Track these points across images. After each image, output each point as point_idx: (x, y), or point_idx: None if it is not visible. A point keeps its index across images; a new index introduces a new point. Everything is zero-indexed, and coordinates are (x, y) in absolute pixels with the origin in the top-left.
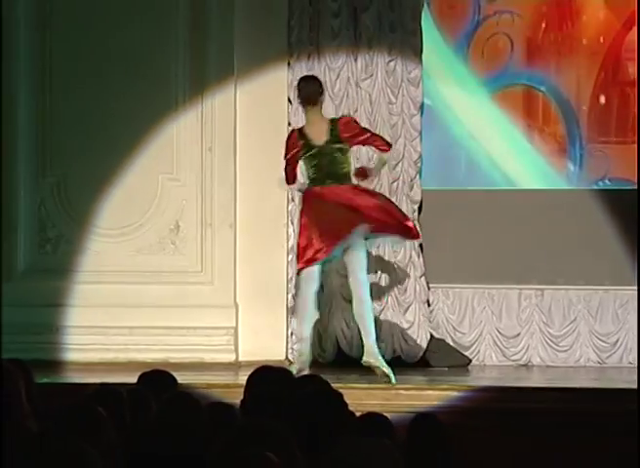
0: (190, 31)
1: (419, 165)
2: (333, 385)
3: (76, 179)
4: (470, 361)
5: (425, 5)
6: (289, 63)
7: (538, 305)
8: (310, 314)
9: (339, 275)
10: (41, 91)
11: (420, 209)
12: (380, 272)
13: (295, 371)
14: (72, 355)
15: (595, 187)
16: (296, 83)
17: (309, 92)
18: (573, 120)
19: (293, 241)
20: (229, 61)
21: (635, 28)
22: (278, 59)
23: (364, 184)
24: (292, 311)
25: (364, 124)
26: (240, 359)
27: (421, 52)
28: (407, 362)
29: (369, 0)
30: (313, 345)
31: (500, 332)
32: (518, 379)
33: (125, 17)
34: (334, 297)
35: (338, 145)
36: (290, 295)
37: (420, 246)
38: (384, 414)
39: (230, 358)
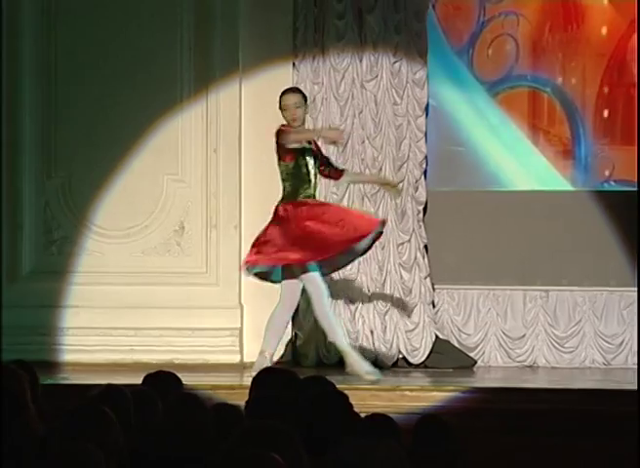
0: (195, 32)
1: (423, 166)
2: (338, 386)
3: (81, 181)
4: (475, 362)
5: (430, 6)
6: (294, 64)
7: (543, 306)
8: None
9: (341, 275)
10: (46, 92)
11: (425, 210)
12: (384, 273)
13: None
14: (77, 356)
15: (600, 189)
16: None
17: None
18: (578, 121)
19: None
20: (235, 62)
21: None
22: (283, 60)
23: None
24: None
25: (369, 125)
26: (245, 360)
27: (427, 53)
28: (412, 363)
29: (374, 1)
30: (317, 346)
31: (505, 334)
32: (523, 381)
33: (129, 19)
34: (338, 299)
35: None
36: None
37: (426, 247)
38: (389, 415)
39: (235, 359)
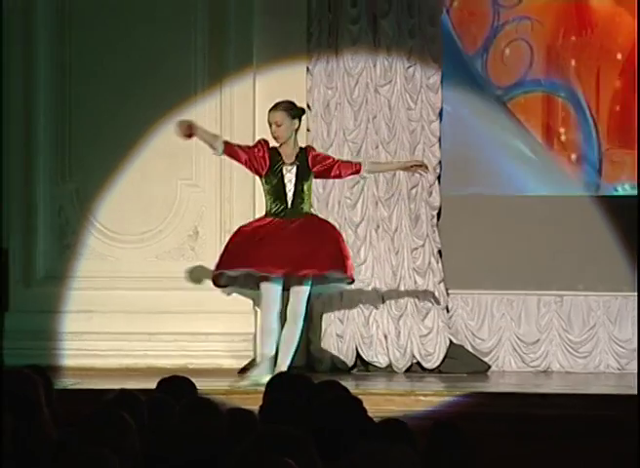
0: (209, 38)
1: (437, 171)
2: (352, 391)
3: (95, 185)
4: (489, 367)
5: (445, 11)
6: (308, 69)
7: (557, 311)
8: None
9: (355, 280)
10: (61, 93)
11: (439, 214)
12: (398, 278)
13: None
14: (91, 361)
15: (614, 193)
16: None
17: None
18: (591, 126)
19: None
20: (249, 68)
21: None
22: (297, 65)
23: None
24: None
25: (383, 130)
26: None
27: (441, 58)
28: (426, 368)
29: (388, 6)
30: (334, 350)
31: (519, 339)
32: (537, 385)
33: (143, 20)
34: (351, 303)
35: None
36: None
37: (440, 252)
38: (403, 420)
39: (249, 364)
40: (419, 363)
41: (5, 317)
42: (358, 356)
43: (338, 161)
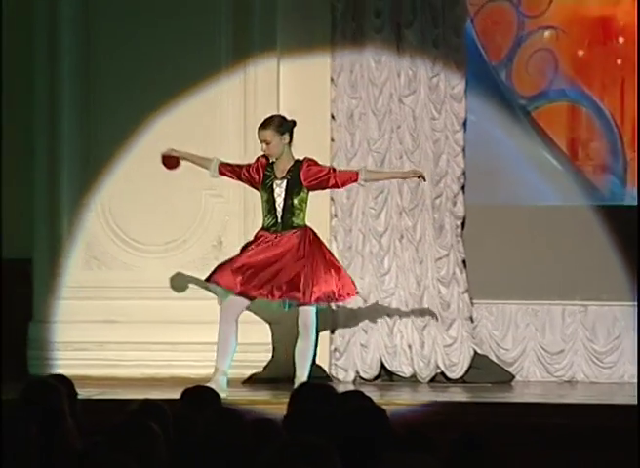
0: (232, 58)
1: (462, 181)
2: (376, 401)
3: (120, 195)
4: (514, 377)
5: (469, 21)
6: (332, 79)
7: (582, 321)
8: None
9: (379, 290)
10: (85, 106)
11: (463, 224)
12: (422, 288)
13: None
14: (115, 371)
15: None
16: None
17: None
18: (616, 136)
19: (336, 256)
20: (272, 80)
21: None
22: (321, 76)
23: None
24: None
25: (407, 140)
26: (281, 375)
27: (465, 67)
28: (450, 378)
29: (412, 16)
30: (355, 361)
31: (543, 349)
32: (562, 396)
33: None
34: (375, 313)
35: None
36: (333, 311)
37: (464, 261)
38: (427, 431)
39: (273, 374)
40: (443, 373)
41: (29, 327)
42: (382, 366)
43: (334, 171)
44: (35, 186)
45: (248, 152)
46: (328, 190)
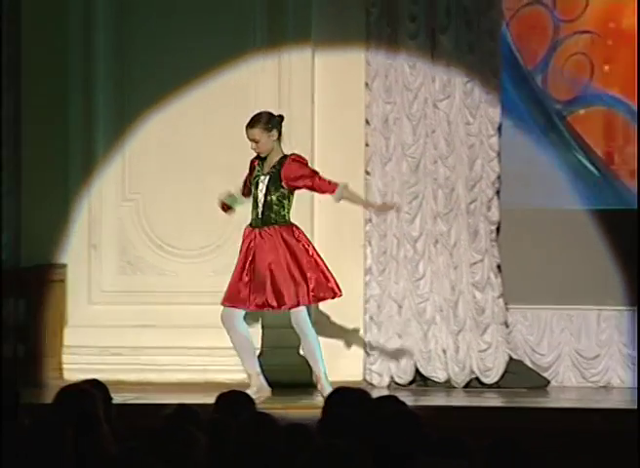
0: (266, 58)
1: (496, 185)
2: (410, 406)
3: (155, 200)
4: (549, 382)
5: (504, 25)
6: (367, 84)
7: (617, 326)
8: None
9: (414, 295)
10: (120, 113)
11: (498, 229)
12: (457, 293)
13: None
14: (150, 375)
15: None
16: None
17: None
18: None
19: (370, 261)
20: (306, 85)
21: None
22: (356, 81)
23: None
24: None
25: (441, 145)
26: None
27: (500, 72)
28: (485, 383)
29: (447, 21)
30: (390, 365)
31: (579, 354)
32: (597, 401)
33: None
34: (410, 318)
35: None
36: (367, 316)
37: (499, 266)
38: (462, 436)
39: (308, 379)
40: (477, 378)
41: (65, 332)
42: (417, 371)
43: (316, 174)
44: (70, 192)
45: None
46: (362, 195)
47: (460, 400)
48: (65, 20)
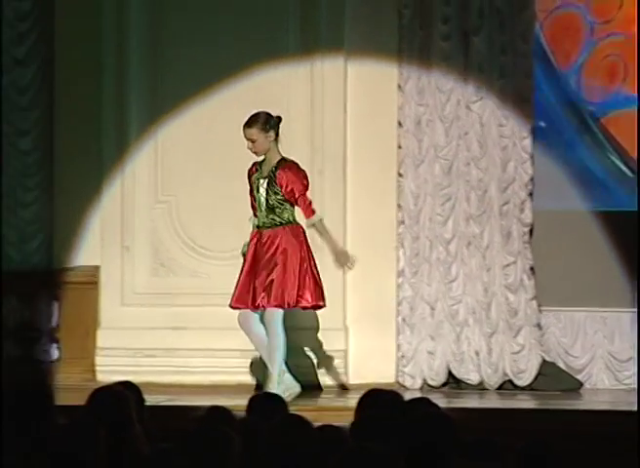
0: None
1: (529, 187)
2: (443, 408)
3: (188, 202)
4: (582, 384)
5: (537, 27)
6: (399, 86)
7: None
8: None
9: (447, 297)
10: (152, 115)
11: (531, 231)
12: (490, 295)
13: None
14: (182, 377)
15: None
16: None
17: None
18: None
19: (403, 263)
20: (339, 87)
21: None
22: (388, 83)
23: None
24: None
25: (474, 147)
26: (350, 382)
27: (533, 74)
28: (518, 385)
29: (480, 23)
30: (422, 367)
31: (612, 356)
32: (631, 403)
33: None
34: (442, 320)
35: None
36: (400, 318)
37: (532, 268)
38: (494, 438)
39: (340, 381)
40: (510, 380)
41: (97, 334)
42: (449, 373)
43: (304, 193)
44: (103, 194)
45: (315, 151)
46: (395, 198)
47: (492, 402)
48: (99, 21)
